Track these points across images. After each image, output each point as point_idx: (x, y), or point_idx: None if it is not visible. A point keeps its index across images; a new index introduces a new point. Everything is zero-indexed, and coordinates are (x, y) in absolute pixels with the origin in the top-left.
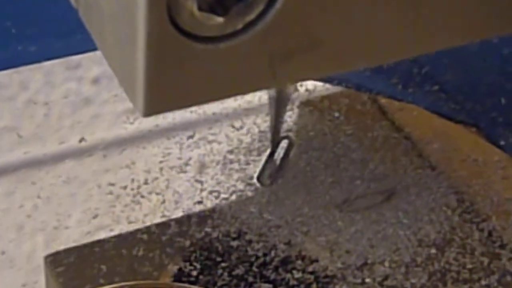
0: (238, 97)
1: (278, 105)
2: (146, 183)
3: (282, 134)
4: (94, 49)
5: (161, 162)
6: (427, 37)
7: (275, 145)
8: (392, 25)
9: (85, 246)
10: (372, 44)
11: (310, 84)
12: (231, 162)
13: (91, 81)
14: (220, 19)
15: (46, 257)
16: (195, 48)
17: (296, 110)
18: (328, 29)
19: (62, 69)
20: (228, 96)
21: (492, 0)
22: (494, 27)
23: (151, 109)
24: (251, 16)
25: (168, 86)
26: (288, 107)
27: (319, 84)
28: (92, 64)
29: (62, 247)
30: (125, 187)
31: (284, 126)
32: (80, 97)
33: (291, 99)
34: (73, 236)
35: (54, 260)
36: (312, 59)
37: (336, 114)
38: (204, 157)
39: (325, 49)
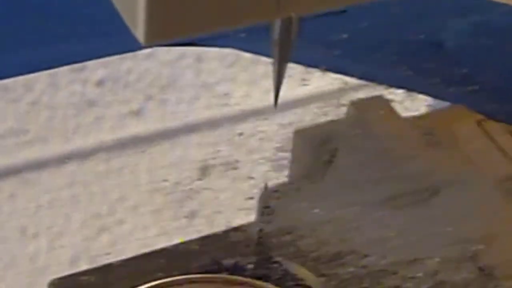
0: None
1: (282, 50)
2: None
3: (328, 132)
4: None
5: None
6: None
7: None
8: None
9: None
10: None
11: (351, 82)
12: (282, 158)
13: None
14: None
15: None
16: None
17: (338, 110)
18: None
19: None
20: (231, 25)
21: None
22: None
23: (152, 37)
24: None
25: (169, 13)
26: (332, 107)
27: (363, 82)
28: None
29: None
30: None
31: (329, 125)
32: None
33: (337, 98)
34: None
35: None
36: None
37: (381, 112)
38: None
39: None
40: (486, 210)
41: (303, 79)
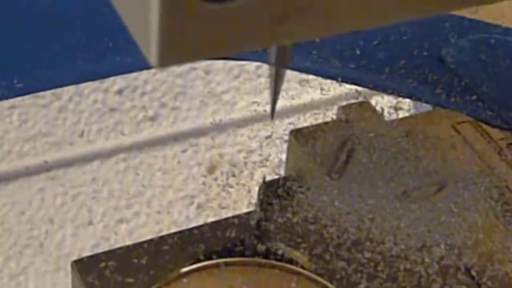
0: None
1: (276, 81)
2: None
3: (348, 134)
4: None
5: None
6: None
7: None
8: None
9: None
10: (363, 8)
11: (364, 91)
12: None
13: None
14: None
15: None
16: (204, 7)
17: (357, 114)
18: None
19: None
20: (233, 52)
21: None
22: None
23: (164, 61)
24: None
25: (180, 40)
26: (352, 114)
27: (374, 92)
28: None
29: None
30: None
31: (348, 128)
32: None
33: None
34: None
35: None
36: (306, 21)
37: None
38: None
39: (317, 12)
40: (484, 204)
41: (322, 89)
